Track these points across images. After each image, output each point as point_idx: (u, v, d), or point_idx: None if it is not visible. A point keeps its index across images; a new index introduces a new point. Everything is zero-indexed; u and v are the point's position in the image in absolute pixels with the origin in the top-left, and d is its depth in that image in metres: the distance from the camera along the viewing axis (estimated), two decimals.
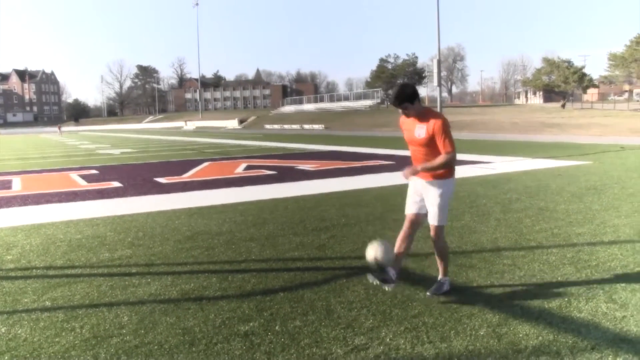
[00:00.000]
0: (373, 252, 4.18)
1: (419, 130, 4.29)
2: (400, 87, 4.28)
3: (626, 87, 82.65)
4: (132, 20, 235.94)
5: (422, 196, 4.41)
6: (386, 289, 4.28)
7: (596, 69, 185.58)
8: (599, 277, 4.79)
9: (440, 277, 4.57)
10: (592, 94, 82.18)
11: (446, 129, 4.16)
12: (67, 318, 4.13)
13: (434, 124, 4.21)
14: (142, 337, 3.74)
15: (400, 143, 27.14)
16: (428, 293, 4.43)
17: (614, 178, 11.31)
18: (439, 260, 4.56)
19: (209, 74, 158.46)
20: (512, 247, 5.88)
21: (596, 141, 25.47)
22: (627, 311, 4.00)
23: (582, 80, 64.71)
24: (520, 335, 3.60)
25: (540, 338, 3.56)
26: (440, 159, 4.22)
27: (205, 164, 17.82)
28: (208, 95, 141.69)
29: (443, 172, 4.31)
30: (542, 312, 4.01)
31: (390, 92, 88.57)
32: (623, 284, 4.59)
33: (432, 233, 4.45)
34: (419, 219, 4.44)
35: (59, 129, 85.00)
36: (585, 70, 65.73)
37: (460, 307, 4.15)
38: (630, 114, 49.23)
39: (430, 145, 4.25)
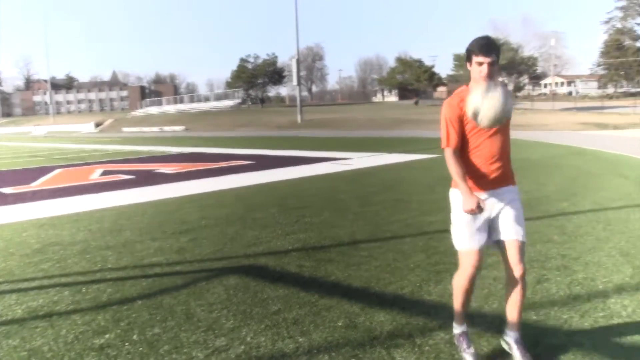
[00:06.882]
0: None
1: None
2: (486, 36, 3.05)
3: None
4: None
5: (493, 215, 3.13)
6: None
7: (444, 68, 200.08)
8: (447, 261, 5.14)
9: (518, 332, 3.21)
10: (441, 91, 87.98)
11: None
12: None
13: None
14: None
15: (259, 142, 27.30)
16: None
17: None
18: (520, 299, 3.16)
19: (60, 75, 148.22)
20: (369, 239, 6.13)
21: None
22: None
23: (432, 79, 69.31)
24: (376, 322, 3.77)
25: (394, 323, 3.74)
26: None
27: (57, 170, 16.67)
28: (60, 97, 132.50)
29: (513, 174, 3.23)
30: (396, 299, 4.23)
31: (251, 92, 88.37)
32: None
33: (518, 254, 3.08)
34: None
35: None
36: (435, 70, 70.39)
37: (319, 300, 4.26)
38: None
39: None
